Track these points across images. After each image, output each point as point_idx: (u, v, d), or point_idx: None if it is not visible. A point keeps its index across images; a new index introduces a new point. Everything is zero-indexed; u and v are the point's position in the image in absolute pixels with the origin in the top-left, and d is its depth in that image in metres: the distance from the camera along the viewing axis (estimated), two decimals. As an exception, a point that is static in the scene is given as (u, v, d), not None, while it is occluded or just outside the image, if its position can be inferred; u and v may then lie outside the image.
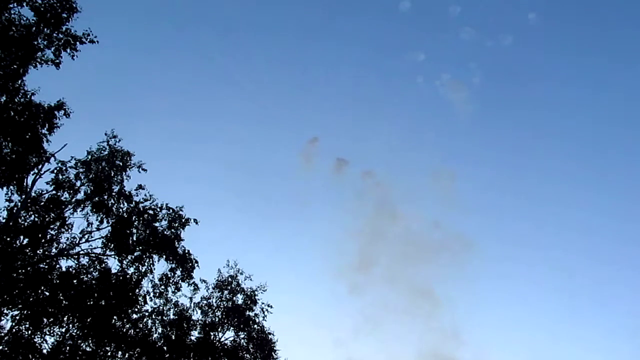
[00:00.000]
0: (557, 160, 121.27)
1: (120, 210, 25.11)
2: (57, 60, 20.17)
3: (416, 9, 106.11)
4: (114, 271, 24.66)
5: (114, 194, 24.99)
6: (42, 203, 23.76)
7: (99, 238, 24.50)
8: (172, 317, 28.87)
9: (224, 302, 30.60)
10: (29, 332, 22.96)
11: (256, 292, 31.01)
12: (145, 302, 26.09)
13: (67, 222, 24.19)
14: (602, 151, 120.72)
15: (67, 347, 23.95)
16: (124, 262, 24.81)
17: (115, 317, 24.87)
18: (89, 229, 24.44)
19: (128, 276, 24.86)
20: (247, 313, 30.53)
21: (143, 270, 25.25)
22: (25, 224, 23.25)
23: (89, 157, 24.85)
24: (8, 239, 22.36)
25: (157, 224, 25.58)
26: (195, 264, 26.34)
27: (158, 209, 25.66)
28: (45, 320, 23.08)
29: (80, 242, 24.25)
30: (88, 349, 24.58)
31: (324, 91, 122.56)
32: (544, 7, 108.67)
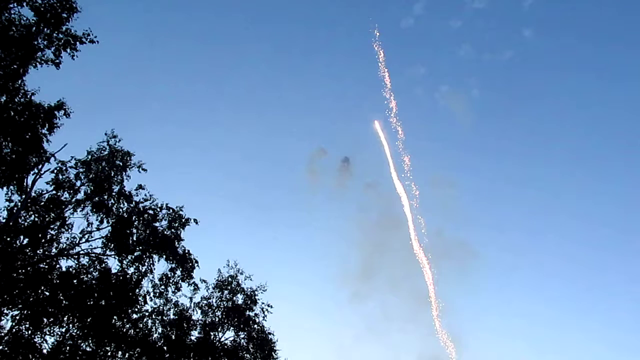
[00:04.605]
0: (556, 168, 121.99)
1: (120, 210, 25.11)
2: (57, 60, 20.14)
3: (417, 24, 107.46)
4: (114, 271, 24.68)
5: (114, 194, 24.99)
6: (42, 203, 23.75)
7: (99, 238, 24.54)
8: (172, 317, 28.86)
9: (224, 302, 30.58)
10: (29, 332, 22.94)
11: (256, 292, 31.01)
12: (145, 302, 26.10)
13: (67, 222, 24.20)
14: (601, 160, 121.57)
15: (67, 347, 23.94)
16: (124, 262, 24.81)
17: (115, 317, 24.85)
18: (89, 229, 24.47)
19: (128, 276, 24.84)
20: (247, 313, 30.51)
21: (143, 270, 25.25)
22: (25, 224, 23.25)
23: (89, 157, 24.84)
24: (8, 239, 22.35)
25: (157, 224, 25.58)
26: (195, 264, 26.34)
27: (158, 209, 25.66)
28: (45, 320, 23.06)
29: (80, 242, 24.27)
30: (88, 349, 24.57)
31: (328, 103, 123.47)
32: (540, 24, 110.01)
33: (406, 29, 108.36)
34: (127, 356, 26.33)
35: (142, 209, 25.34)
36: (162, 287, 26.28)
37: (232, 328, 30.40)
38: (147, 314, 27.58)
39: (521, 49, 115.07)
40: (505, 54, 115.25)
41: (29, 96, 20.43)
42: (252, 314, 30.60)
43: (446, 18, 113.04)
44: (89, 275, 24.25)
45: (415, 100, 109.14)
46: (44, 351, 23.35)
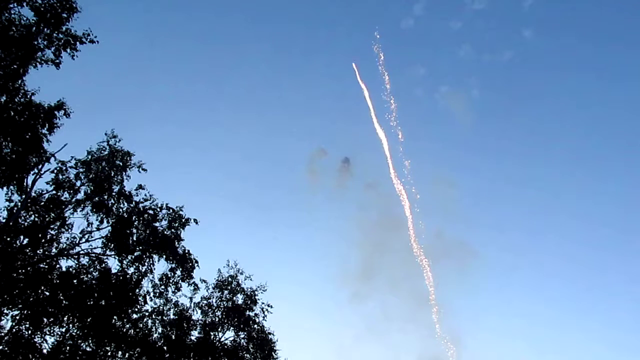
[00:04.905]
0: (556, 168, 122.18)
1: (120, 210, 25.11)
2: (57, 60, 20.14)
3: (417, 25, 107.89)
4: (114, 271, 24.68)
5: (114, 194, 24.98)
6: (42, 203, 23.75)
7: (99, 238, 24.52)
8: (172, 317, 28.87)
9: (224, 302, 30.59)
10: (29, 332, 22.95)
11: (256, 292, 31.00)
12: (145, 302, 26.11)
13: (67, 222, 24.20)
14: (601, 160, 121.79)
15: (67, 347, 23.95)
16: (124, 262, 24.81)
17: (115, 317, 24.86)
18: (89, 229, 24.46)
19: (128, 276, 24.84)
20: (247, 313, 30.51)
21: (143, 270, 25.25)
22: (25, 224, 23.25)
23: (89, 157, 24.84)
24: (8, 239, 22.35)
25: (157, 224, 25.57)
26: (195, 264, 26.34)
27: (158, 209, 25.65)
28: (45, 320, 23.06)
29: (80, 242, 24.27)
30: (88, 349, 24.58)
31: (329, 103, 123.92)
32: (540, 25, 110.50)
33: (406, 29, 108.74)
34: (127, 356, 26.33)
35: (142, 209, 25.34)
36: (162, 287, 26.29)
37: (232, 328, 30.40)
38: (147, 314, 27.60)
39: (521, 49, 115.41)
40: (505, 55, 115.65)
41: (29, 96, 20.43)
42: (252, 314, 30.60)
43: (446, 19, 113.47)
44: (89, 275, 24.26)
45: (415, 101, 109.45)
46: (44, 351, 23.36)
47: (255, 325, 30.44)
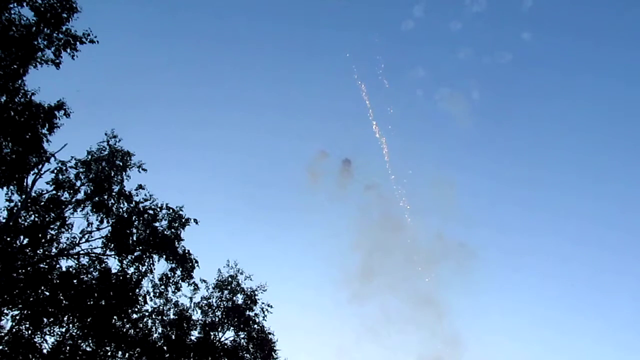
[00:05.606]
0: (556, 168, 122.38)
1: (120, 210, 25.10)
2: (57, 60, 20.15)
3: (417, 27, 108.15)
4: (114, 271, 24.68)
5: (114, 194, 24.98)
6: (42, 203, 23.75)
7: (99, 238, 24.52)
8: (172, 317, 28.87)
9: (224, 302, 30.59)
10: (29, 332, 22.96)
11: (256, 292, 31.01)
12: (145, 302, 26.10)
13: (67, 222, 24.19)
14: (599, 161, 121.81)
15: (67, 347, 23.95)
16: (124, 262, 24.81)
17: (115, 317, 24.86)
18: (89, 229, 24.45)
19: (128, 276, 24.84)
20: (247, 313, 30.52)
21: (143, 270, 25.24)
22: (25, 224, 23.25)
23: (89, 157, 24.84)
24: (8, 239, 22.35)
25: (157, 224, 25.56)
26: (195, 264, 26.34)
27: (158, 209, 25.64)
28: (45, 320, 23.07)
29: (80, 242, 24.26)
30: (88, 349, 24.58)
31: (329, 105, 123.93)
32: (539, 27, 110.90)
33: (406, 31, 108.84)
34: (127, 356, 26.33)
35: (142, 209, 25.34)
36: (162, 287, 26.29)
37: (232, 328, 30.40)
38: (147, 314, 27.60)
39: (520, 51, 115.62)
40: (504, 57, 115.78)
41: (29, 96, 20.45)
42: (252, 314, 30.60)
43: (446, 21, 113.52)
44: (89, 275, 24.26)
45: (415, 102, 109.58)
46: (44, 351, 23.36)
47: (255, 325, 30.44)
